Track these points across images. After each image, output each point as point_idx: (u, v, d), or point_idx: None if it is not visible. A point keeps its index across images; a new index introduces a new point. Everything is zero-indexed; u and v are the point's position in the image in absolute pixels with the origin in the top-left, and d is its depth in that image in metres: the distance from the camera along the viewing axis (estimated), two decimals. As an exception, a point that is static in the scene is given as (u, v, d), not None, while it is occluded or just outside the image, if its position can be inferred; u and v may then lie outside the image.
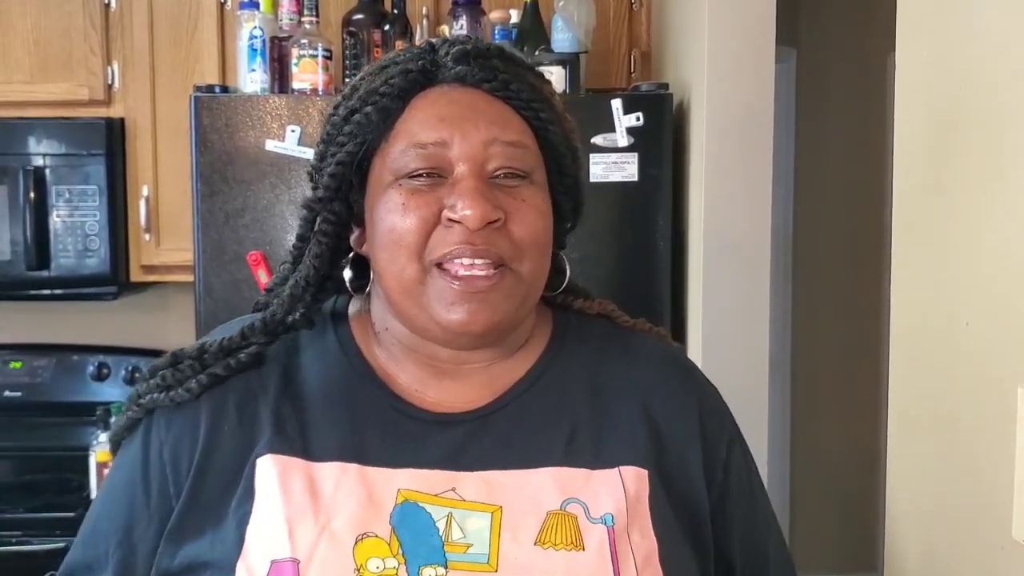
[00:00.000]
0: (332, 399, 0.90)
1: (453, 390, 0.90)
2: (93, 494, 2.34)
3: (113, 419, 2.42)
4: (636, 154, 2.11)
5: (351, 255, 0.93)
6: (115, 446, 0.96)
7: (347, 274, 0.93)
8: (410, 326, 0.89)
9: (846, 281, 3.89)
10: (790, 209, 3.89)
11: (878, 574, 1.39)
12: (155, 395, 0.90)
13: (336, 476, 0.84)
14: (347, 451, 0.85)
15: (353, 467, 0.84)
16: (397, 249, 0.85)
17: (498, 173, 0.86)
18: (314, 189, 0.92)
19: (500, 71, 0.88)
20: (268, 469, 0.84)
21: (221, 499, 0.85)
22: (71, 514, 2.29)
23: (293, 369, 0.92)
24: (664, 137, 2.13)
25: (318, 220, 0.91)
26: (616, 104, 2.10)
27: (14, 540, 2.27)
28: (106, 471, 2.32)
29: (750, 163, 2.06)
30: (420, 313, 0.86)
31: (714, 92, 2.03)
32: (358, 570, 0.79)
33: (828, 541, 3.84)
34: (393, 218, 0.85)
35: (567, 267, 0.97)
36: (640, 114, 2.10)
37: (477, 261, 0.83)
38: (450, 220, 0.83)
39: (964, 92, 1.08)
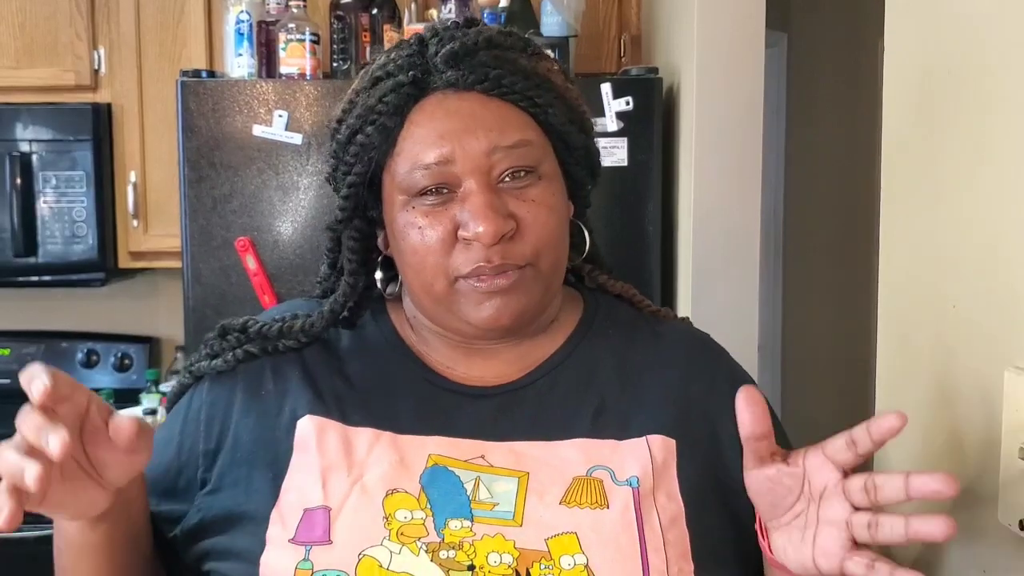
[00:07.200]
0: (368, 371, 0.94)
1: (483, 366, 0.94)
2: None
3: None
4: (626, 139, 2.11)
5: (380, 257, 0.98)
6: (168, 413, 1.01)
7: (378, 275, 0.97)
8: (442, 327, 0.93)
9: (836, 266, 3.89)
10: (780, 194, 3.89)
11: (866, 557, 1.39)
12: (203, 363, 0.95)
13: (370, 440, 0.87)
14: (381, 420, 0.89)
15: (387, 435, 0.88)
16: (422, 268, 0.88)
17: (504, 176, 0.87)
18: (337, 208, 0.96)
19: (491, 67, 0.88)
20: (307, 428, 0.88)
21: (257, 457, 0.89)
22: (60, 501, 2.29)
23: (331, 342, 0.96)
24: (654, 122, 2.12)
25: (343, 238, 0.95)
26: (606, 88, 2.10)
27: (4, 527, 2.27)
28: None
29: (740, 148, 2.06)
30: (452, 317, 0.90)
31: (704, 76, 2.03)
32: (386, 519, 0.82)
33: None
34: (413, 240, 0.88)
35: (587, 235, 0.99)
36: (630, 98, 2.10)
37: (498, 274, 0.86)
38: (466, 239, 0.86)
39: (952, 75, 1.08)
